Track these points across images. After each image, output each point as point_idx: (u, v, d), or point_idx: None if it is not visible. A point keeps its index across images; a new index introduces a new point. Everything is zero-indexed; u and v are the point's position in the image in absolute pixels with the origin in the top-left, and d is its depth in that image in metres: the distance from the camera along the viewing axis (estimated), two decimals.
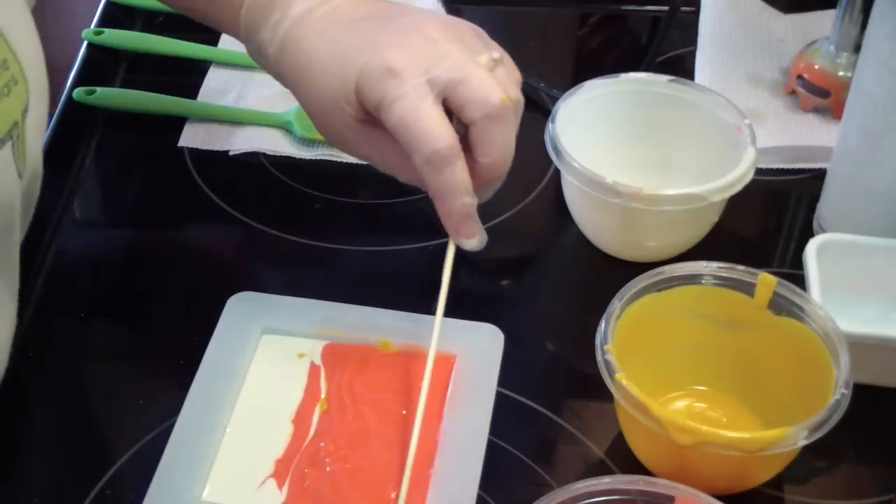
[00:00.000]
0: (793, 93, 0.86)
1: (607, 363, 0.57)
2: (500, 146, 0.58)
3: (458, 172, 0.57)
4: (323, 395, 0.62)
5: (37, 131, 0.57)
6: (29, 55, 0.55)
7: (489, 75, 0.58)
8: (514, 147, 0.59)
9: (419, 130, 0.56)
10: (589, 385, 0.63)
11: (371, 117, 0.59)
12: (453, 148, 0.57)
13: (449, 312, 0.65)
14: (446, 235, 0.68)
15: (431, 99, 0.57)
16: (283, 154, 0.82)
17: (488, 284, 0.76)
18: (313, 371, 0.63)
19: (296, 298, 0.66)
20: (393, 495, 0.57)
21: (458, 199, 0.58)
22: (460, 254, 0.61)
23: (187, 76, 0.88)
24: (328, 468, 0.58)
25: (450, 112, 0.58)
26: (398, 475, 0.57)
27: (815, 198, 0.75)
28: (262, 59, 0.65)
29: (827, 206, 0.74)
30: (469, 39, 0.60)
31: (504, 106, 0.57)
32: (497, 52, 0.60)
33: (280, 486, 0.57)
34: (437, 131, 0.56)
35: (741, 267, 0.62)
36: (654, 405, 0.55)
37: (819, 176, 0.76)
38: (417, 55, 0.57)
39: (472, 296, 0.74)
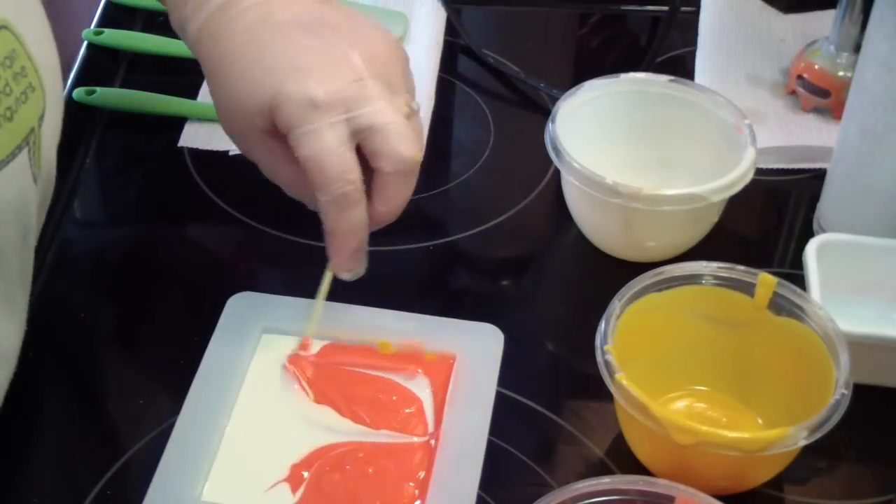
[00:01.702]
0: (793, 93, 0.86)
1: (607, 363, 0.57)
2: (401, 198, 0.59)
3: (359, 214, 0.58)
4: (311, 398, 0.61)
5: (52, 137, 0.57)
6: (46, 62, 0.55)
7: (407, 127, 0.58)
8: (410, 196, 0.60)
9: (330, 170, 0.56)
10: (589, 385, 0.63)
11: (278, 131, 0.58)
12: (360, 191, 0.57)
13: (449, 312, 0.66)
14: (447, 236, 0.68)
15: (346, 139, 0.57)
16: None
17: (488, 284, 0.76)
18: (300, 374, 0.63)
19: (296, 298, 0.66)
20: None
21: (354, 238, 0.59)
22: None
23: (187, 76, 0.88)
24: (344, 471, 0.58)
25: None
26: (408, 475, 0.57)
27: (815, 198, 0.75)
28: (183, 34, 0.63)
29: (827, 206, 0.74)
30: (394, 72, 0.59)
31: (416, 163, 0.58)
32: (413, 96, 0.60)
33: (294, 490, 0.57)
34: (347, 174, 0.56)
35: (741, 267, 0.62)
36: (654, 405, 0.55)
37: (819, 176, 0.76)
38: (342, 91, 0.57)
39: (472, 296, 0.74)
